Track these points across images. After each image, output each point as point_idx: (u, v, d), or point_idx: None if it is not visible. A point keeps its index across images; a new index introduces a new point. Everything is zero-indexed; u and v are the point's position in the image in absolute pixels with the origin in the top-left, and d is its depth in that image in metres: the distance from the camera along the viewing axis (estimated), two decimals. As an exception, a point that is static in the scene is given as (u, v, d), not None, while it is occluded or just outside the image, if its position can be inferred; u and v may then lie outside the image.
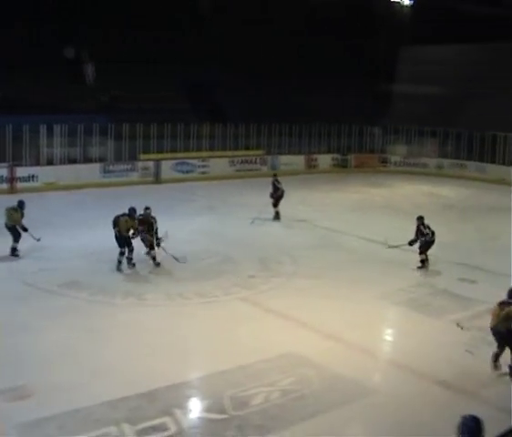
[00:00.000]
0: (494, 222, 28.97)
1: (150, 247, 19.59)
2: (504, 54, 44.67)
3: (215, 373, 12.86)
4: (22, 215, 20.28)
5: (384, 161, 44.57)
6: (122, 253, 19.13)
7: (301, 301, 17.08)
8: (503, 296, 16.54)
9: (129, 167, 35.52)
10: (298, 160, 41.40)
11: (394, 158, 44.59)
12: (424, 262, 20.71)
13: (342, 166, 43.34)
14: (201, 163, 37.75)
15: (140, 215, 19.75)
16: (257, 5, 43.37)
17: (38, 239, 20.47)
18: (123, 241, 19.17)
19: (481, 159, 42.38)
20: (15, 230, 20.19)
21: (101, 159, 35.03)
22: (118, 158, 35.58)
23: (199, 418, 11.55)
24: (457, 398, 12.21)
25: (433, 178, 41.20)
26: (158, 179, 35.71)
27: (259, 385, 12.38)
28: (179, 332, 14.79)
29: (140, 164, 35.85)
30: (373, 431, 11.37)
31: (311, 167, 41.72)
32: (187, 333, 14.75)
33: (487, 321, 15.67)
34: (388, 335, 16.60)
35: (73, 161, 34.33)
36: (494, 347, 13.54)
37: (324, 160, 42.65)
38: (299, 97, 42.11)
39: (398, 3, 40.54)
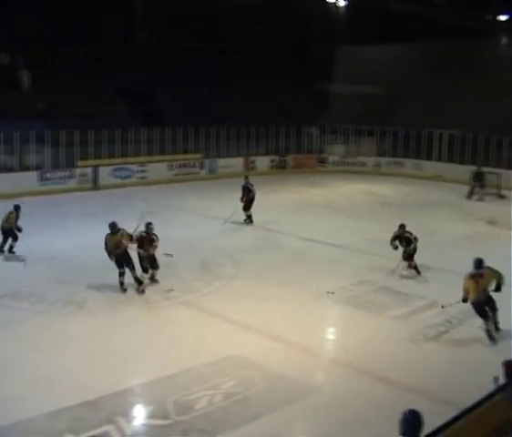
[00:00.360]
0: (431, 218, 29.40)
1: (145, 270, 18.74)
2: (437, 53, 45.35)
3: (158, 379, 12.83)
4: (17, 217, 21.45)
5: (323, 161, 44.82)
6: (121, 274, 18.13)
7: (242, 303, 17.11)
8: (442, 290, 16.88)
9: (67, 174, 35.08)
10: (236, 163, 41.39)
11: (332, 158, 44.87)
12: (417, 268, 20.57)
13: (280, 167, 43.45)
14: (140, 168, 37.48)
15: (145, 232, 19.31)
16: (192, 7, 43.22)
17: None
18: (118, 261, 18.22)
19: (418, 157, 42.96)
20: (12, 232, 21.37)
21: (38, 167, 34.54)
22: (56, 166, 35.09)
23: (142, 424, 11.50)
24: (400, 394, 12.32)
25: (371, 177, 41.59)
26: (96, 186, 35.33)
27: (202, 389, 12.37)
28: (120, 339, 14.70)
29: (78, 171, 35.43)
30: (317, 431, 11.43)
31: (249, 169, 41.73)
32: (128, 339, 14.66)
33: (428, 316, 15.98)
34: (330, 334, 16.72)
35: (9, 170, 33.82)
36: (434, 341, 13.78)
37: (263, 162, 42.72)
38: (237, 100, 42.15)
39: (333, 3, 40.82)
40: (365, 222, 28.00)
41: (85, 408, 11.55)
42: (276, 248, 23.41)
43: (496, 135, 39.23)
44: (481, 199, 34.39)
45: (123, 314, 16.56)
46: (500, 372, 7.81)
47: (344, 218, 28.69)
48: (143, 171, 37.56)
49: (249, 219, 27.27)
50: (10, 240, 21.52)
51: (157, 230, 25.14)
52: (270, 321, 15.83)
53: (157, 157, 38.43)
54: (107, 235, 18.32)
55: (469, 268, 20.56)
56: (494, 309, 15.04)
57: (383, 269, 20.81)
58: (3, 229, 21.48)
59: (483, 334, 14.84)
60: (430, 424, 6.37)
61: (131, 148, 37.68)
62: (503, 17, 40.70)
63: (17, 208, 21.71)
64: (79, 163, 35.78)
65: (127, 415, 11.65)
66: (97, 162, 36.07)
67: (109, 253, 18.14)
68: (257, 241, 24.23)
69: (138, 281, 18.10)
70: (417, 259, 22.06)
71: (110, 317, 16.34)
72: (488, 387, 6.90)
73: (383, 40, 46.80)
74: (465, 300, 15.13)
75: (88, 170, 35.62)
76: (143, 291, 17.97)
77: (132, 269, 18.11)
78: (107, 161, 36.45)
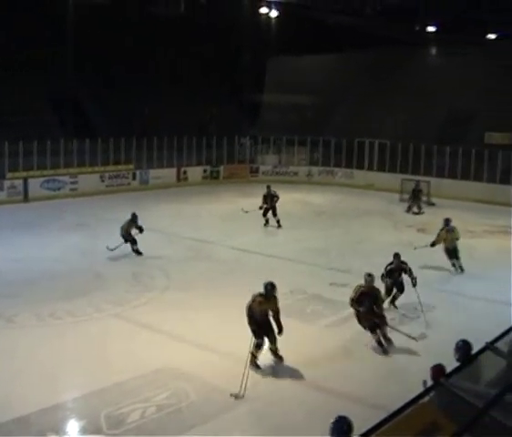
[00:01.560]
0: (362, 226, 29.76)
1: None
2: (368, 63, 45.97)
3: (90, 393, 12.65)
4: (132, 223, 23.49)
5: (255, 171, 44.95)
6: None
7: (174, 315, 17.02)
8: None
9: (-4, 186, 34.53)
10: (169, 173, 41.23)
11: (264, 168, 45.03)
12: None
13: (213, 177, 43.45)
14: (71, 179, 37.02)
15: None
16: (122, 18, 42.98)
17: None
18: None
19: (349, 166, 43.44)
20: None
21: (-34, 180, 33.93)
22: (-16, 178, 34.51)
23: (74, 440, 11.35)
24: (332, 400, 12.40)
25: (303, 186, 41.88)
26: (26, 198, 34.78)
27: (134, 402, 12.25)
28: (51, 353, 14.46)
29: (7, 183, 34.80)
30: (251, 440, 11.43)
31: (181, 179, 41.63)
32: (59, 354, 14.43)
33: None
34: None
35: None
36: (369, 348, 13.91)
37: (195, 172, 42.65)
38: (169, 110, 42.06)
39: (265, 14, 41.02)
40: (297, 231, 28.17)
41: (14, 425, 11.35)
42: (208, 259, 23.37)
43: (426, 144, 39.89)
44: (421, 213, 34.33)
45: (53, 328, 16.27)
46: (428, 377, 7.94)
47: (276, 228, 28.79)
48: (74, 183, 37.10)
49: (278, 223, 28.81)
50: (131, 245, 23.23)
51: (87, 242, 25.02)
52: (202, 332, 15.76)
53: (88, 169, 38.02)
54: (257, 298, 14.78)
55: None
56: (458, 257, 21.70)
57: (315, 278, 20.94)
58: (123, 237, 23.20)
59: (414, 342, 15.05)
60: (361, 430, 6.41)
61: (62, 160, 37.16)
62: (431, 28, 41.37)
63: (134, 216, 23.66)
64: (9, 175, 35.16)
65: (58, 431, 11.49)
66: (28, 174, 35.51)
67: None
68: (188, 252, 24.13)
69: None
70: (346, 265, 22.25)
71: (40, 331, 16.02)
72: (418, 391, 6.97)
73: (314, 50, 47.20)
74: (433, 245, 22.05)
75: (18, 182, 35.01)
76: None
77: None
78: (37, 173, 35.90)
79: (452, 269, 21.82)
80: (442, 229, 22.22)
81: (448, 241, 21.88)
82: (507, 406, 6.37)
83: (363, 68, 46.53)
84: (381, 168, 42.00)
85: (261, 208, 29.02)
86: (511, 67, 39.82)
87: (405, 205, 34.76)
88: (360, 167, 43.03)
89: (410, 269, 17.72)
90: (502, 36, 40.65)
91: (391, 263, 18.07)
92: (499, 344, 7.55)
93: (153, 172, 40.56)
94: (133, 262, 22.44)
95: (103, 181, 38.26)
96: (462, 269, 21.62)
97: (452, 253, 21.79)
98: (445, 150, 39.49)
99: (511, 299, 17.21)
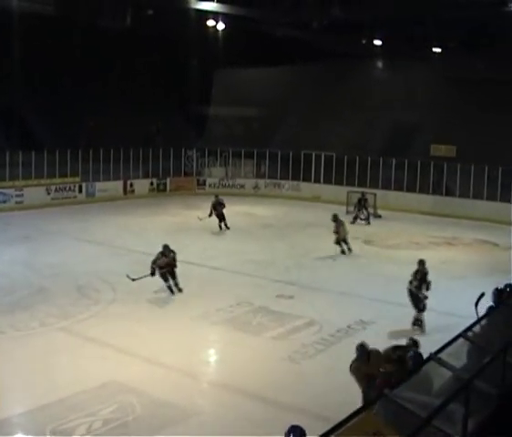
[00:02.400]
0: (308, 238, 29.90)
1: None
2: (314, 75, 46.19)
3: (34, 409, 12.52)
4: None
5: (202, 184, 44.88)
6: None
7: (119, 328, 16.91)
8: (319, 309, 17.17)
9: None
10: (115, 186, 40.92)
11: (210, 180, 44.97)
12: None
13: (159, 190, 43.25)
14: (16, 192, 36.51)
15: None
16: (69, 32, 42.68)
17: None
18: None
19: (296, 178, 43.58)
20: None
21: None
22: None
23: (19, 455, 11.20)
24: (278, 412, 12.41)
25: (250, 199, 41.90)
26: (-29, 211, 34.25)
27: (80, 416, 12.15)
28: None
29: (-48, 195, 34.32)
30: (196, 454, 11.39)
31: (128, 192, 41.39)
32: (3, 369, 14.20)
33: (305, 335, 16.19)
34: (208, 356, 16.67)
35: None
36: (311, 360, 13.95)
37: (142, 185, 42.40)
38: (114, 122, 41.82)
39: (212, 27, 41.03)
40: (244, 243, 28.19)
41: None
42: (154, 271, 23.22)
43: (372, 156, 40.27)
44: (367, 223, 34.68)
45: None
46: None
47: (222, 240, 28.81)
48: (20, 195, 36.59)
49: (226, 226, 30.77)
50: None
51: (31, 255, 24.69)
52: (148, 345, 15.69)
53: (34, 181, 37.55)
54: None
55: (346, 286, 21.14)
56: (347, 242, 26.28)
57: (261, 290, 20.97)
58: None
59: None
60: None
61: (8, 172, 36.67)
62: (377, 42, 41.81)
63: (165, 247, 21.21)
64: (-47, 188, 34.65)
65: (1, 447, 11.32)
66: (-28, 187, 35.01)
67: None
68: (134, 265, 23.89)
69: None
70: (292, 277, 22.37)
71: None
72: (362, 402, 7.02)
73: (261, 63, 47.31)
74: (336, 233, 26.28)
75: (-38, 196, 34.53)
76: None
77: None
78: (-18, 186, 35.41)
79: (338, 253, 26.14)
80: (337, 225, 26.45)
81: (341, 233, 26.21)
82: (450, 416, 6.45)
83: (309, 81, 46.77)
84: (327, 181, 42.20)
85: (210, 215, 30.36)
86: (456, 80, 40.42)
87: (352, 217, 35.01)
88: (307, 179, 43.18)
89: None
90: (446, 50, 41.23)
91: (417, 271, 18.04)
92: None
93: (99, 185, 40.21)
94: (78, 275, 22.17)
95: (49, 194, 37.81)
96: (351, 250, 26.46)
97: (344, 242, 26.30)
98: (390, 162, 39.91)
99: (455, 310, 17.46)
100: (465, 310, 17.10)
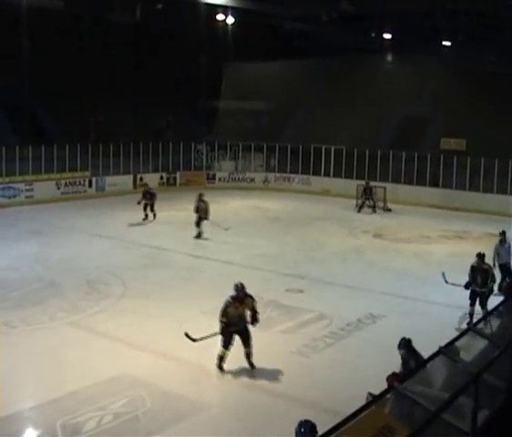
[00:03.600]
0: (318, 232, 29.88)
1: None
2: (324, 69, 46.12)
3: (45, 402, 12.55)
4: None
5: (212, 178, 44.90)
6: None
7: (130, 322, 16.93)
8: (329, 303, 17.19)
9: (-50, 193, 34.07)
10: (125, 180, 40.97)
11: (220, 174, 44.98)
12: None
13: (169, 184, 43.27)
14: (26, 187, 36.60)
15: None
16: (78, 27, 42.75)
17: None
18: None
19: (306, 172, 43.55)
20: None
21: None
22: None
23: (30, 449, 11.25)
24: (288, 405, 12.43)
25: (259, 193, 41.93)
26: (-20, 206, 34.34)
27: (90, 410, 12.16)
28: (5, 363, 14.25)
29: (-37, 190, 34.44)
30: (208, 446, 11.42)
31: (138, 186, 41.39)
32: (14, 363, 14.23)
33: (315, 329, 16.20)
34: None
35: None
36: (320, 354, 13.96)
37: (152, 179, 42.31)
38: (125, 117, 41.90)
39: (221, 20, 40.98)
40: (253, 238, 28.17)
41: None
42: (164, 266, 23.29)
43: (382, 150, 40.20)
44: (373, 211, 35.13)
45: (8, 337, 16.03)
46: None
47: (232, 234, 28.78)
48: (30, 190, 36.69)
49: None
50: None
51: (41, 250, 24.76)
52: (158, 339, 15.72)
53: (44, 176, 37.63)
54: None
55: (356, 280, 21.16)
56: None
57: (270, 284, 20.98)
58: None
59: (369, 347, 15.17)
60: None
61: (17, 167, 36.74)
62: (387, 35, 41.67)
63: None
64: (-37, 182, 34.76)
65: (13, 441, 11.35)
66: (-18, 181, 35.11)
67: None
68: (144, 259, 24.01)
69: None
70: (302, 271, 22.36)
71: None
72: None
73: (270, 57, 47.32)
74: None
75: (-28, 190, 34.63)
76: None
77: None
78: (-8, 180, 35.50)
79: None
80: (198, 201, 28.07)
81: (202, 211, 27.64)
82: (460, 409, 6.46)
83: (319, 74, 46.70)
84: (337, 174, 42.16)
85: (139, 202, 31.57)
86: (466, 73, 40.31)
87: (366, 210, 35.19)
88: (316, 173, 43.14)
89: (493, 274, 17.50)
90: (456, 43, 41.05)
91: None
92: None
93: (109, 179, 40.27)
94: (88, 270, 22.21)
95: (59, 188, 37.91)
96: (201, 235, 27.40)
97: (203, 219, 27.62)
98: (400, 156, 39.84)
99: (465, 303, 17.41)
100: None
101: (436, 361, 7.48)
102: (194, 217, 27.91)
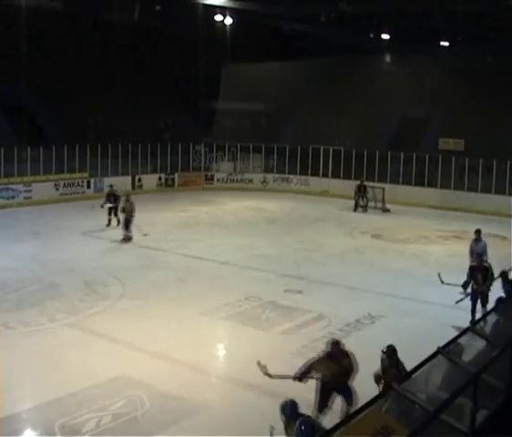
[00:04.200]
0: (316, 233, 29.89)
1: None
2: (322, 70, 46.17)
3: (44, 403, 12.54)
4: None
5: (210, 179, 44.89)
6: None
7: (128, 323, 16.94)
8: (328, 303, 17.20)
9: None
10: (123, 181, 40.87)
11: (219, 175, 44.98)
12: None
13: (167, 185, 43.26)
14: (25, 188, 36.56)
15: None
16: (76, 27, 42.76)
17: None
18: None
19: (304, 173, 43.56)
20: None
21: None
22: None
23: (29, 450, 11.24)
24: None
25: (258, 193, 41.94)
26: (-21, 207, 34.30)
27: (89, 411, 12.15)
28: (3, 364, 14.21)
29: (-40, 191, 34.38)
30: (206, 447, 11.41)
31: (136, 187, 41.38)
32: (12, 364, 14.18)
33: (315, 329, 16.20)
34: (217, 350, 16.68)
35: None
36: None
37: (150, 180, 42.40)
38: (123, 118, 41.91)
39: (220, 21, 40.97)
40: (251, 238, 28.15)
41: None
42: (160, 267, 23.24)
43: (380, 150, 40.20)
44: (364, 210, 35.41)
45: (6, 338, 15.99)
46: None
47: (231, 235, 28.80)
48: (28, 191, 36.65)
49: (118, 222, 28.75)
50: None
51: (40, 251, 24.75)
52: (157, 340, 15.71)
53: (42, 177, 37.60)
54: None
55: (355, 281, 21.16)
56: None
57: (269, 285, 20.99)
58: None
59: (368, 347, 15.14)
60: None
61: (16, 168, 36.70)
62: (385, 36, 41.69)
63: None
64: (-39, 183, 34.70)
65: (11, 442, 11.34)
66: (-20, 183, 35.07)
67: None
68: (142, 260, 24.00)
69: None
70: (301, 272, 22.37)
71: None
72: (370, 396, 7.02)
73: (269, 58, 47.36)
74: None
75: (-29, 191, 34.58)
76: None
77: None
78: (-10, 181, 35.46)
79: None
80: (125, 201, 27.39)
81: (128, 212, 26.73)
82: (458, 409, 6.46)
83: (317, 75, 46.75)
84: (336, 175, 42.19)
85: (102, 206, 29.68)
86: (464, 74, 40.38)
87: (360, 211, 35.31)
88: (315, 173, 43.14)
89: (492, 272, 17.47)
90: (454, 43, 41.10)
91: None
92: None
93: (108, 180, 40.13)
94: (87, 271, 22.19)
95: (57, 189, 37.87)
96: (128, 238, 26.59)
97: (129, 223, 26.76)
98: (399, 156, 39.85)
99: (463, 304, 17.43)
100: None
101: (435, 362, 7.49)
102: (121, 217, 27.87)
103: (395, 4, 35.01)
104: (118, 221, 28.64)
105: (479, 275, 17.26)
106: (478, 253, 19.47)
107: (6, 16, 37.24)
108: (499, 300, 11.58)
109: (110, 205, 29.25)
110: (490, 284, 17.24)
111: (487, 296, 17.03)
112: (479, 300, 17.04)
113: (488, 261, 18.03)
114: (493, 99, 38.09)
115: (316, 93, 45.81)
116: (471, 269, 17.51)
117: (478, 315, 16.60)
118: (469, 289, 17.55)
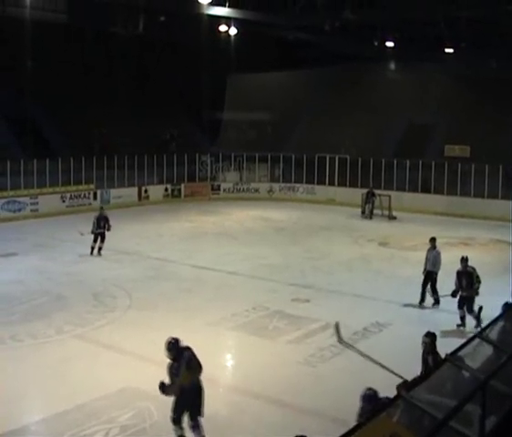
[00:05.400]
0: (323, 241, 29.88)
1: None
2: (327, 78, 46.21)
3: (53, 416, 12.52)
4: None
5: (216, 189, 44.92)
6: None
7: (136, 334, 16.92)
8: (335, 312, 17.16)
9: (-45, 208, 34.08)
10: (130, 192, 41.00)
11: (225, 185, 45.02)
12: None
13: (174, 196, 43.30)
14: (31, 200, 36.60)
15: None
16: (81, 39, 42.89)
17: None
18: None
19: (310, 181, 43.56)
20: None
21: None
22: None
23: (38, 462, 11.23)
24: (294, 416, 12.44)
25: (264, 203, 41.97)
26: (-15, 220, 34.33)
27: (98, 423, 12.14)
28: (12, 376, 14.28)
29: (-33, 204, 34.43)
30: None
31: (143, 198, 41.44)
32: (21, 377, 14.23)
33: (322, 338, 16.17)
34: (225, 361, 16.66)
35: None
36: (327, 363, 13.93)
37: (156, 191, 42.47)
38: (129, 129, 41.99)
39: (224, 32, 41.03)
40: (258, 248, 28.16)
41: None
42: (168, 277, 23.27)
43: (386, 158, 40.20)
44: (369, 218, 35.64)
45: (14, 351, 16.06)
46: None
47: (237, 245, 28.81)
48: (35, 204, 36.70)
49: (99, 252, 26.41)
50: None
51: (47, 263, 24.75)
52: (164, 351, 15.68)
53: (49, 189, 37.65)
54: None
55: (362, 289, 21.11)
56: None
57: (276, 294, 20.97)
58: None
59: (377, 355, 15.11)
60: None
61: (22, 181, 36.75)
62: (390, 44, 41.72)
63: None
64: (-32, 197, 34.76)
65: (20, 455, 11.35)
66: (-13, 196, 35.11)
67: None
68: (149, 271, 24.01)
69: None
70: (308, 281, 22.34)
71: (1, 354, 15.82)
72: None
73: (273, 67, 47.43)
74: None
75: (-22, 204, 34.63)
76: None
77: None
78: (-3, 195, 35.52)
79: None
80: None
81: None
82: (467, 417, 6.43)
83: (322, 84, 46.79)
84: (342, 183, 42.22)
85: (92, 232, 26.60)
86: (468, 80, 40.37)
87: (367, 219, 35.44)
88: (321, 182, 43.17)
89: (477, 276, 17.79)
90: (458, 50, 41.12)
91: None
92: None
93: (114, 191, 40.28)
94: (94, 283, 22.22)
95: (64, 201, 37.93)
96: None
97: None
98: (405, 164, 39.84)
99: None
100: (481, 311, 17.15)
101: (443, 369, 7.47)
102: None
103: (399, 11, 35.01)
104: (100, 250, 26.38)
105: (464, 280, 17.59)
106: (429, 260, 19.70)
107: (12, 29, 37.40)
108: (506, 305, 11.52)
109: (100, 231, 26.45)
110: (477, 288, 17.52)
111: (474, 300, 17.40)
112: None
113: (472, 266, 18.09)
114: (498, 105, 38.06)
115: (321, 101, 45.84)
116: (457, 274, 17.83)
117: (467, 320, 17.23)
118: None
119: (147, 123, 42.68)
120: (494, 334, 9.04)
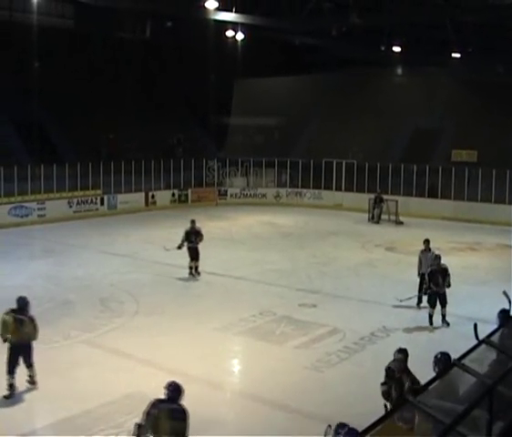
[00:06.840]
0: (330, 246, 29.87)
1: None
2: (334, 83, 46.27)
3: (60, 420, 12.53)
4: None
5: (223, 194, 44.93)
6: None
7: (143, 339, 16.93)
8: (342, 317, 17.14)
9: (-37, 213, 34.17)
10: (137, 198, 41.02)
11: (232, 191, 45.02)
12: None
13: (181, 201, 43.31)
14: (38, 206, 36.65)
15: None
16: (88, 44, 43.01)
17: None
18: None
19: (317, 186, 43.54)
20: None
21: None
22: (-49, 205, 34.17)
23: (47, 467, 11.24)
24: (301, 421, 12.47)
25: (271, 208, 41.95)
26: (-7, 225, 34.38)
27: (105, 428, 12.18)
28: (19, 382, 14.28)
29: (-25, 210, 34.49)
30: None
31: (150, 204, 41.48)
32: (28, 382, 14.26)
33: (329, 343, 16.16)
34: (232, 366, 16.64)
35: None
36: (334, 368, 13.93)
37: (163, 196, 42.47)
38: (136, 135, 42.07)
39: (231, 37, 41.07)
40: (265, 253, 28.15)
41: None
42: (174, 283, 23.29)
43: (393, 163, 40.16)
44: (375, 222, 35.72)
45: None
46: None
47: (244, 250, 28.82)
48: (42, 209, 36.74)
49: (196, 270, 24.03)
50: None
51: (54, 268, 24.77)
52: (171, 356, 15.71)
53: (56, 195, 37.70)
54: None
55: (369, 294, 21.07)
56: None
57: (283, 299, 20.98)
58: None
59: (384, 360, 15.09)
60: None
61: (29, 186, 36.81)
62: (396, 49, 41.71)
63: None
64: (-25, 202, 34.84)
65: (27, 460, 11.37)
66: (-6, 201, 35.20)
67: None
68: (157, 277, 24.04)
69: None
70: (315, 286, 22.34)
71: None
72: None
73: (280, 72, 47.49)
74: None
75: (-15, 210, 34.70)
76: None
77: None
78: (4, 200, 35.50)
79: None
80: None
81: None
82: (475, 422, 6.43)
83: (329, 89, 46.85)
84: (349, 188, 42.18)
85: (179, 247, 24.26)
86: (475, 85, 40.35)
87: (375, 224, 35.46)
88: (328, 187, 43.14)
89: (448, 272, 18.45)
90: (465, 55, 41.08)
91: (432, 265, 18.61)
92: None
93: (121, 197, 40.30)
94: (101, 288, 22.25)
95: (71, 207, 37.98)
96: None
97: None
98: (412, 169, 39.80)
99: (478, 315, 17.35)
100: (488, 316, 17.09)
101: (451, 374, 7.46)
102: None
103: (406, 16, 35.00)
104: (196, 268, 23.96)
105: (440, 277, 18.07)
106: (425, 263, 19.80)
107: (19, 35, 37.55)
108: (503, 312, 11.52)
109: (192, 245, 24.09)
110: (449, 282, 18.20)
111: (445, 296, 18.07)
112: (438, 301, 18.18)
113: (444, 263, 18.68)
114: (505, 109, 38.05)
115: (328, 106, 45.89)
116: (431, 272, 18.26)
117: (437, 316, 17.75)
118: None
119: (154, 128, 42.76)
120: (500, 340, 9.04)
